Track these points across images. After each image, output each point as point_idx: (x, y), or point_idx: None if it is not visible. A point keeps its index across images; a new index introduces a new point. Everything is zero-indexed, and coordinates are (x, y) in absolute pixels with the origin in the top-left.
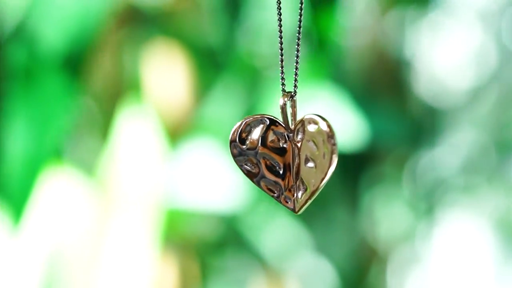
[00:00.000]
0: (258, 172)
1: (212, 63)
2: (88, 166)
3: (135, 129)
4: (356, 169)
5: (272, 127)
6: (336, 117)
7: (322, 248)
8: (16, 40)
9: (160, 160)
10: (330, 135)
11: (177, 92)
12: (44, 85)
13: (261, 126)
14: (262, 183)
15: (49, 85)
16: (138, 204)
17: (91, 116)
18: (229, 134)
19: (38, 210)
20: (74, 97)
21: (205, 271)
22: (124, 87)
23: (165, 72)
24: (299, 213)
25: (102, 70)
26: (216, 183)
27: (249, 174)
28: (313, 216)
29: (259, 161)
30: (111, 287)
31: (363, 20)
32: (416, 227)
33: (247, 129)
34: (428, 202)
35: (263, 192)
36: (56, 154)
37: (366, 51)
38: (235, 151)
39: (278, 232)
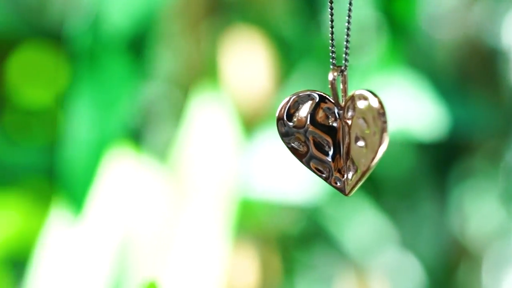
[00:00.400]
0: (307, 152)
1: (290, 51)
2: (160, 152)
3: (209, 116)
4: (446, 161)
5: (322, 103)
6: (413, 105)
7: (409, 243)
8: (80, 21)
9: (234, 148)
10: (381, 112)
11: (255, 80)
12: (109, 68)
13: (310, 102)
14: (311, 163)
15: (114, 68)
16: (211, 193)
17: (164, 101)
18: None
19: (104, 197)
20: (141, 80)
21: (287, 266)
22: (200, 73)
23: (244, 60)
24: (350, 195)
25: (177, 54)
26: (293, 174)
27: (296, 154)
28: (399, 211)
29: (308, 140)
30: (182, 277)
31: (452, 7)
32: (510, 224)
33: (295, 105)
34: None
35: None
36: (124, 138)
37: (457, 39)
38: (282, 129)
39: (363, 226)
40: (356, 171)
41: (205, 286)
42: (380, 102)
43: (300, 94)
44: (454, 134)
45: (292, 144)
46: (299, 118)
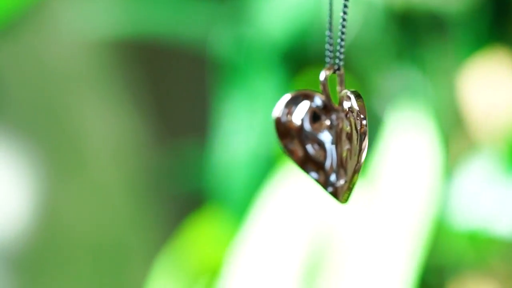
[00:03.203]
0: (302, 155)
1: None
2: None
3: (410, 135)
4: None
5: (318, 105)
6: None
7: None
8: (232, 29)
9: (436, 174)
10: (361, 114)
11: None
12: (263, 79)
13: (307, 103)
14: (306, 167)
15: (268, 79)
16: (405, 217)
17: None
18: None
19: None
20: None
21: None
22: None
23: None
24: (344, 202)
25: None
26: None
27: (293, 156)
28: None
29: (304, 142)
30: None
31: None
32: None
33: (290, 106)
34: None
35: None
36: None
37: None
38: (279, 130)
39: None
40: (345, 176)
41: None
42: (361, 103)
43: (296, 95)
44: None
45: (289, 146)
46: (295, 119)
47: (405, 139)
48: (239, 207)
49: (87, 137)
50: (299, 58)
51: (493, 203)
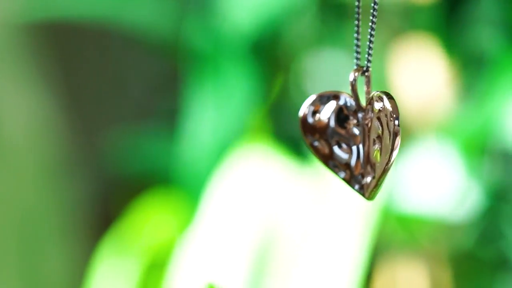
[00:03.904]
0: (328, 152)
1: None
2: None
3: None
4: None
5: (345, 104)
6: None
7: None
8: (202, 21)
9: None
10: (394, 114)
11: (426, 89)
12: (230, 70)
13: (334, 103)
14: (331, 165)
15: (236, 70)
16: (352, 201)
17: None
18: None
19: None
20: (267, 83)
21: (459, 285)
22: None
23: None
24: (370, 199)
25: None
26: (446, 189)
27: (318, 154)
28: None
29: (330, 141)
30: (314, 283)
31: None
32: None
33: (319, 105)
34: None
35: None
36: (254, 138)
37: None
38: (305, 128)
39: None
40: (374, 174)
41: None
42: (394, 105)
43: (324, 94)
44: None
45: (314, 144)
46: (322, 118)
47: None
48: (197, 193)
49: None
50: (268, 49)
51: (422, 186)
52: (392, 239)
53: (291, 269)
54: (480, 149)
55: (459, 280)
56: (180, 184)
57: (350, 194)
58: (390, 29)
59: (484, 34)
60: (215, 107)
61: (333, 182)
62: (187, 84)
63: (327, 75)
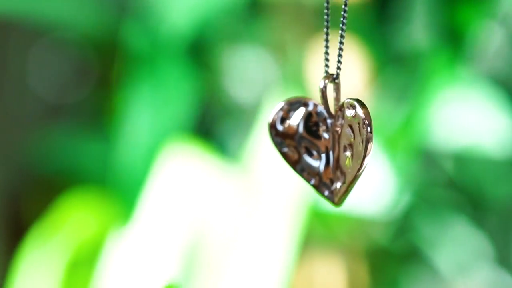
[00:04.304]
0: (297, 158)
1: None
2: (230, 152)
3: None
4: None
5: (314, 111)
6: (486, 118)
7: (505, 261)
8: (139, 22)
9: None
10: (366, 121)
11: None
12: (167, 69)
13: (303, 109)
14: (301, 171)
15: (172, 69)
16: (280, 199)
17: (242, 101)
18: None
19: (160, 194)
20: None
21: (376, 281)
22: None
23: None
24: (339, 205)
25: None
26: (370, 185)
27: (288, 160)
28: (494, 226)
29: (299, 147)
30: (243, 280)
31: None
32: None
33: (287, 112)
34: None
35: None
36: (185, 137)
37: None
38: (274, 134)
39: (454, 242)
40: (344, 180)
41: None
42: (366, 111)
43: (292, 101)
44: None
45: (284, 150)
46: (291, 124)
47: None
48: (128, 192)
49: None
50: (203, 49)
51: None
52: (311, 234)
53: (220, 266)
54: (400, 148)
55: (375, 274)
56: (110, 183)
57: (278, 192)
58: (311, 26)
59: (413, 34)
60: (151, 107)
61: (262, 180)
62: (124, 84)
63: (247, 73)
